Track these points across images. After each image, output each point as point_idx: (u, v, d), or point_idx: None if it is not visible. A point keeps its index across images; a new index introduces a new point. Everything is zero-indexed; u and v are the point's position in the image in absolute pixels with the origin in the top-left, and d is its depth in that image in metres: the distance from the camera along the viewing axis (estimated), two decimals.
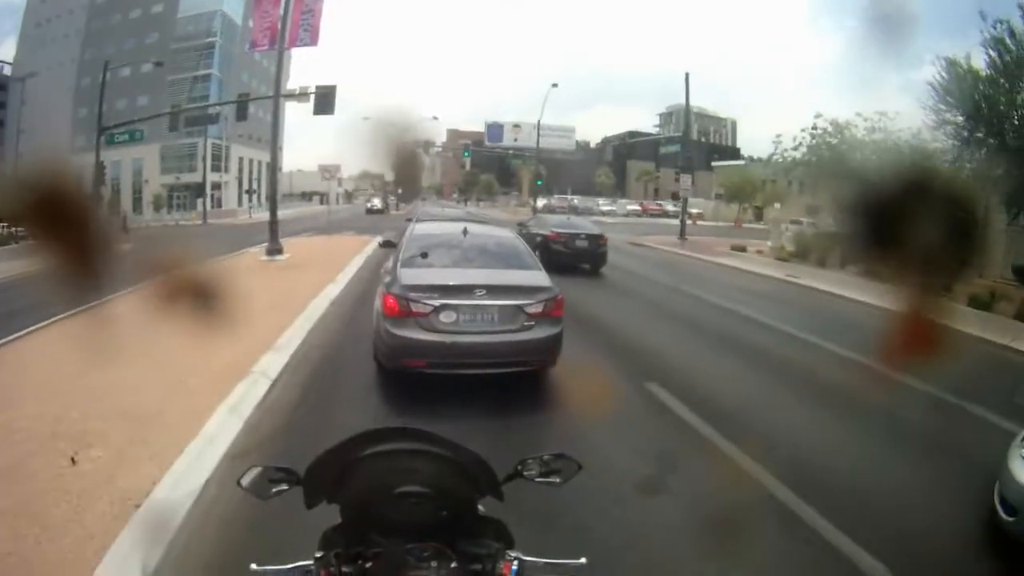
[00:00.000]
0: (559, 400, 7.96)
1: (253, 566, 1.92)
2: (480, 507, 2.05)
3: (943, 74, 23.53)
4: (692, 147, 57.69)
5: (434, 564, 1.89)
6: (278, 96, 26.00)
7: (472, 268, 8.19)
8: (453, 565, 1.89)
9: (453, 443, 1.90)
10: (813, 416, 7.90)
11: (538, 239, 18.95)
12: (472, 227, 9.55)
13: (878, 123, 27.43)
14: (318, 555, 1.91)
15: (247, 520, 4.52)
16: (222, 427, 6.51)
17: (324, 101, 29.98)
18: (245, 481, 2.10)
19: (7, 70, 69.42)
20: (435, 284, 7.61)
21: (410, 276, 7.85)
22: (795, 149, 31.56)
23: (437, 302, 7.41)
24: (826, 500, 5.32)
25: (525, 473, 2.14)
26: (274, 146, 26.49)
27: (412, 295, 7.46)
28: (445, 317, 7.42)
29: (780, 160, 34.12)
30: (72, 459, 5.73)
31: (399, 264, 8.26)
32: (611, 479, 5.59)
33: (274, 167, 27.19)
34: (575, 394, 8.03)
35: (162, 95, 60.29)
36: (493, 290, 7.56)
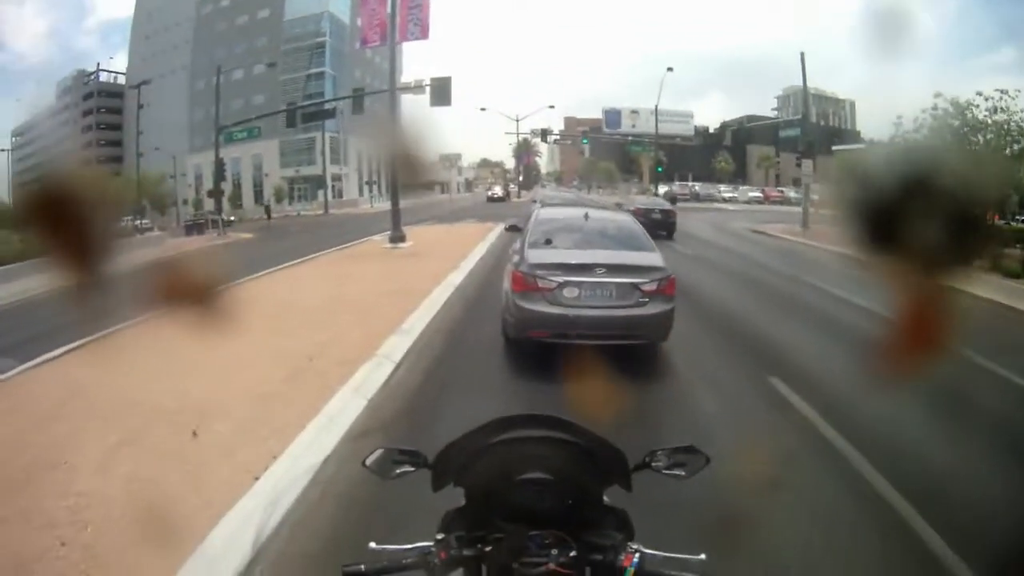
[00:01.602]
0: (681, 391, 7.86)
1: (372, 545, 1.97)
2: (605, 496, 2.04)
3: None
4: (811, 130, 55.83)
5: (554, 552, 1.88)
6: (393, 89, 26.52)
7: (592, 249, 8.86)
8: (573, 554, 1.88)
9: (585, 430, 1.92)
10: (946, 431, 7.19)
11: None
12: (593, 212, 10.45)
13: (999, 102, 25.81)
14: (439, 537, 1.93)
15: (364, 499, 4.50)
16: (344, 407, 6.54)
17: (440, 92, 30.54)
18: (370, 461, 2.14)
19: (120, 80, 75.76)
20: (559, 263, 8.35)
21: (536, 255, 8.62)
22: (916, 131, 29.90)
23: (561, 279, 8.15)
24: (941, 513, 4.84)
25: (653, 464, 2.11)
26: (395, 136, 26.90)
27: (539, 272, 8.23)
28: (568, 292, 8.15)
29: (902, 142, 32.38)
30: (194, 432, 5.86)
31: (526, 245, 9.04)
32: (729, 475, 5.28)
33: (394, 158, 27.67)
34: (697, 386, 8.01)
35: (276, 94, 63.66)
36: (611, 269, 8.25)
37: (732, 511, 4.78)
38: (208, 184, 57.57)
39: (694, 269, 17.69)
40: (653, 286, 8.26)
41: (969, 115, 26.49)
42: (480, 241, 22.30)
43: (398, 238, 22.69)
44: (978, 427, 6.81)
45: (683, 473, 2.09)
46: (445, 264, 16.28)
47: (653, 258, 8.83)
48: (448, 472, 1.96)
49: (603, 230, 9.62)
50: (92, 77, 77.07)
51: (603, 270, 8.20)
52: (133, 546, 4.09)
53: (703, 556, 1.89)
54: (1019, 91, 25.90)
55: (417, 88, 35.81)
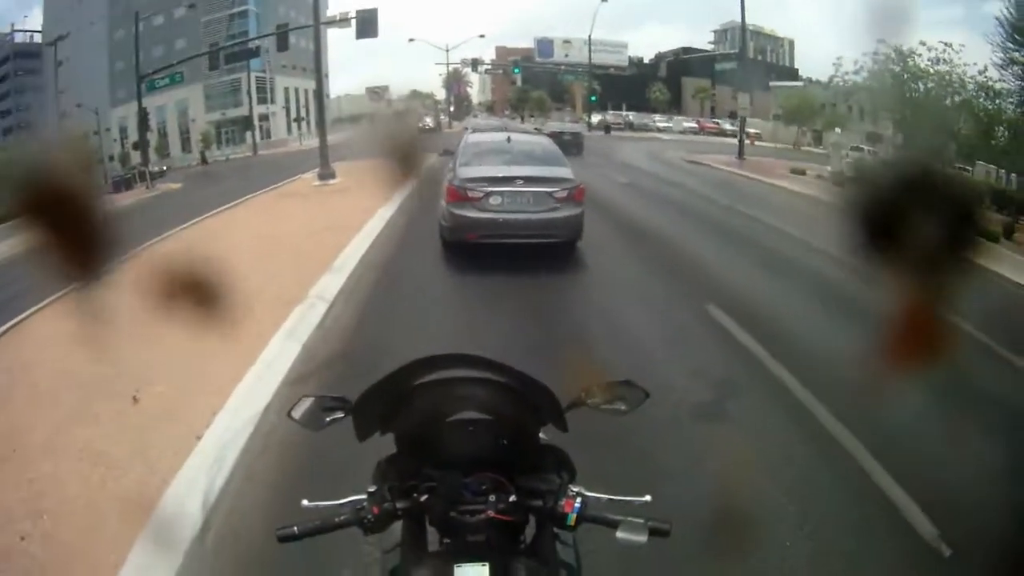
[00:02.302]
0: (621, 323, 8.03)
1: (304, 502, 1.91)
2: (541, 435, 2.01)
3: (1011, 10, 22.39)
4: (749, 66, 55.94)
5: (492, 498, 1.85)
6: (317, 24, 25.83)
7: (513, 165, 10.60)
8: (512, 499, 1.85)
9: (513, 369, 1.83)
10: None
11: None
12: (514, 135, 12.34)
13: (943, 54, 26.48)
14: (371, 490, 1.86)
15: (306, 446, 4.52)
16: (280, 353, 6.63)
17: (366, 25, 29.88)
18: (296, 413, 2.11)
19: (36, 39, 71.93)
20: (485, 176, 10.25)
21: (466, 172, 10.50)
22: (856, 73, 30.19)
23: (487, 189, 10.06)
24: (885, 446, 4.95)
25: (589, 401, 2.06)
26: (319, 73, 26.57)
27: (468, 185, 10.15)
28: (493, 200, 10.06)
29: (841, 83, 32.61)
30: (134, 398, 5.88)
31: (458, 164, 10.93)
32: (671, 405, 5.50)
33: (320, 94, 27.14)
34: (637, 316, 8.25)
35: (199, 37, 61.07)
36: (528, 180, 10.18)
37: (675, 446, 5.00)
38: (133, 137, 55.80)
39: (629, 197, 17.93)
40: (564, 193, 10.19)
41: (911, 63, 26.83)
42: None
43: (328, 175, 22.37)
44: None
45: (623, 408, 2.06)
46: (375, 198, 16.16)
47: (564, 172, 10.79)
48: (371, 419, 1.92)
49: (522, 150, 11.34)
50: (8, 39, 73.59)
51: (522, 181, 10.11)
52: (91, 529, 4.11)
53: (648, 498, 1.85)
54: (963, 46, 26.29)
55: (342, 21, 34.84)
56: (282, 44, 38.41)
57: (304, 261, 10.21)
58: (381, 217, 14.00)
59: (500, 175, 10.23)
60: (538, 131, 24.47)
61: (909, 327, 1.16)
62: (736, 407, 5.87)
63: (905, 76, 27.03)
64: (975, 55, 27.83)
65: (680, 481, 4.28)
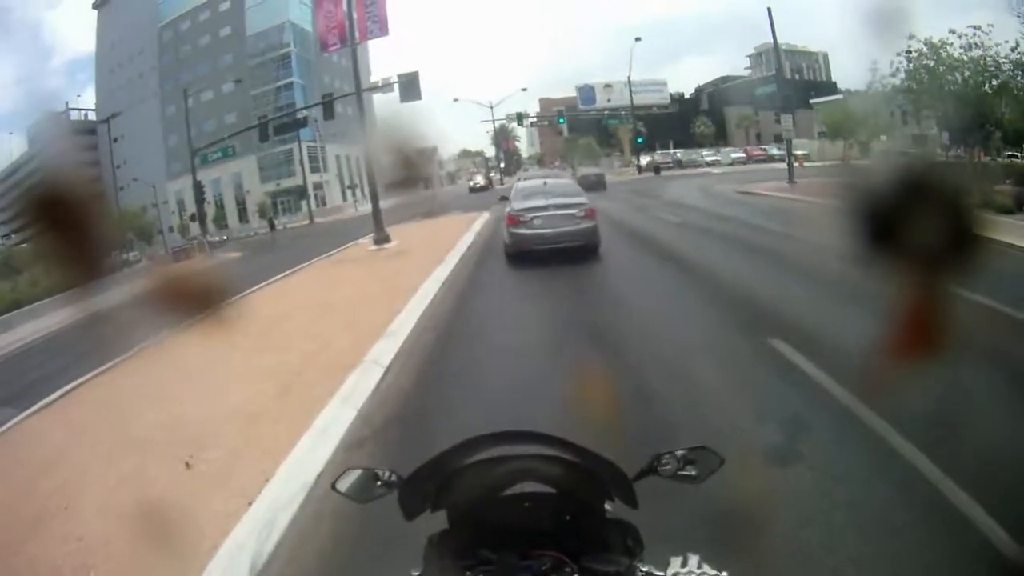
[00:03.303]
0: (683, 369, 7.46)
1: None
2: (608, 507, 1.86)
3: None
4: (787, 85, 55.69)
5: None
6: (360, 92, 26.14)
7: (548, 197, 15.47)
8: None
9: (576, 444, 1.72)
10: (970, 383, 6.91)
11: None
12: (549, 180, 18.06)
13: (973, 38, 25.65)
14: (414, 575, 1.74)
15: (359, 515, 4.36)
16: (335, 418, 6.51)
17: (409, 88, 30.39)
18: (342, 485, 1.99)
19: (91, 116, 75.80)
20: (530, 206, 15.09)
21: (518, 204, 15.45)
22: (892, 76, 29.27)
23: (532, 215, 14.86)
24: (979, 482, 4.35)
25: (660, 470, 1.91)
26: (367, 140, 26.85)
27: (520, 213, 15.03)
28: (536, 221, 14.75)
29: (881, 89, 31.53)
30: (187, 463, 5.84)
31: (512, 200, 16.03)
32: (739, 450, 5.13)
33: (370, 161, 27.49)
34: (697, 355, 7.76)
35: (248, 110, 63.13)
36: (557, 206, 14.93)
37: (747, 506, 4.61)
38: (190, 209, 57.32)
39: (684, 237, 17.68)
40: (581, 213, 14.91)
41: (944, 54, 26.28)
42: (464, 233, 22.11)
43: (382, 239, 22.57)
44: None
45: (695, 473, 1.91)
46: (430, 260, 16.24)
47: (580, 199, 15.56)
48: (421, 497, 1.81)
49: (553, 189, 16.46)
50: (63, 116, 76.80)
51: (553, 207, 14.92)
52: None
53: (724, 574, 1.70)
54: (991, 25, 25.72)
55: (385, 87, 35.51)
56: (328, 113, 39.19)
57: (360, 326, 10.16)
58: (436, 279, 13.97)
59: (540, 204, 15.12)
60: (573, 174, 38.09)
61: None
62: (811, 449, 5.36)
63: (941, 69, 26.23)
64: (1005, 32, 26.86)
65: (758, 543, 3.97)
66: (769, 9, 38.56)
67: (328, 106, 39.86)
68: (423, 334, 9.94)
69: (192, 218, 53.53)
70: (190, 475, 5.65)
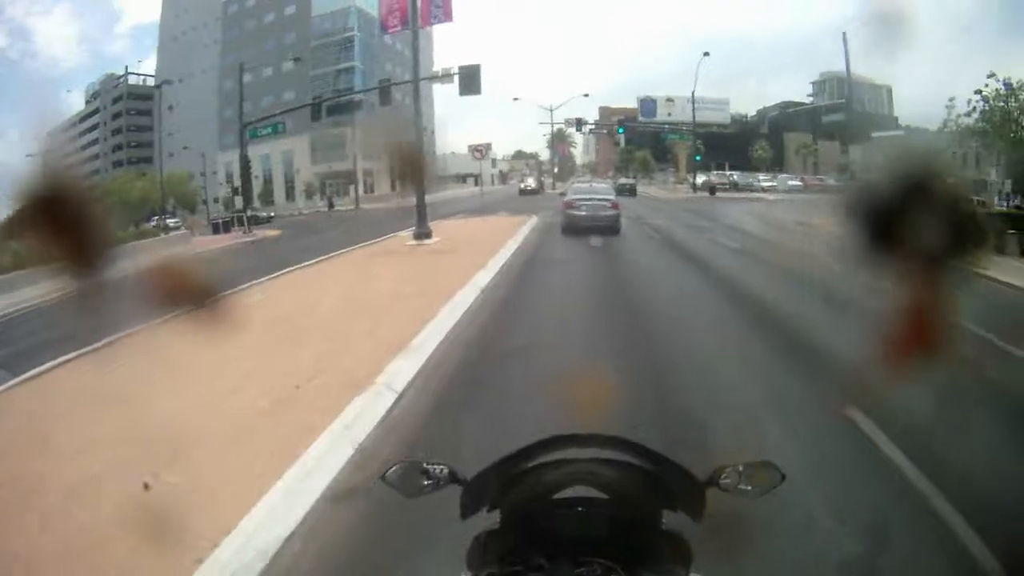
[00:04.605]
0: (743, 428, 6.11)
1: None
2: (663, 519, 1.82)
3: None
4: (856, 116, 54.85)
5: None
6: (416, 78, 25.34)
7: (590, 194, 23.98)
8: None
9: (648, 448, 1.78)
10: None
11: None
12: (594, 184, 30.31)
13: None
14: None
15: None
16: (325, 456, 5.35)
17: (469, 81, 29.87)
18: (392, 477, 1.93)
19: (149, 82, 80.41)
20: (579, 198, 23.32)
21: (571, 195, 24.02)
22: (968, 115, 27.10)
23: (579, 203, 22.83)
24: None
25: (721, 483, 1.84)
26: (418, 127, 26.23)
27: (572, 201, 23.23)
28: (582, 208, 22.50)
29: (955, 128, 28.54)
30: (145, 485, 4.89)
31: (568, 193, 24.99)
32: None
33: (419, 151, 26.93)
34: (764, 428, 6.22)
35: (306, 90, 64.85)
36: (597, 200, 23.10)
37: None
38: (238, 181, 57.85)
39: (744, 266, 16.28)
40: (610, 205, 22.73)
41: (1023, 96, 24.90)
42: (511, 237, 21.21)
43: (423, 234, 22.01)
44: None
45: (750, 488, 1.86)
46: (471, 262, 15.12)
47: (611, 196, 23.78)
48: (483, 497, 1.84)
49: (594, 189, 25.59)
50: (121, 80, 79.03)
51: (594, 200, 22.87)
52: None
53: None
54: None
55: (445, 77, 34.98)
56: (385, 99, 39.01)
57: (380, 335, 9.03)
58: (475, 285, 12.77)
59: (585, 197, 23.25)
60: (612, 183, 44.07)
61: None
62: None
63: (1017, 113, 24.99)
64: None
65: None
66: (844, 34, 37.32)
67: (385, 92, 39.48)
68: (451, 348, 8.78)
69: (235, 191, 53.70)
70: (143, 501, 4.68)
